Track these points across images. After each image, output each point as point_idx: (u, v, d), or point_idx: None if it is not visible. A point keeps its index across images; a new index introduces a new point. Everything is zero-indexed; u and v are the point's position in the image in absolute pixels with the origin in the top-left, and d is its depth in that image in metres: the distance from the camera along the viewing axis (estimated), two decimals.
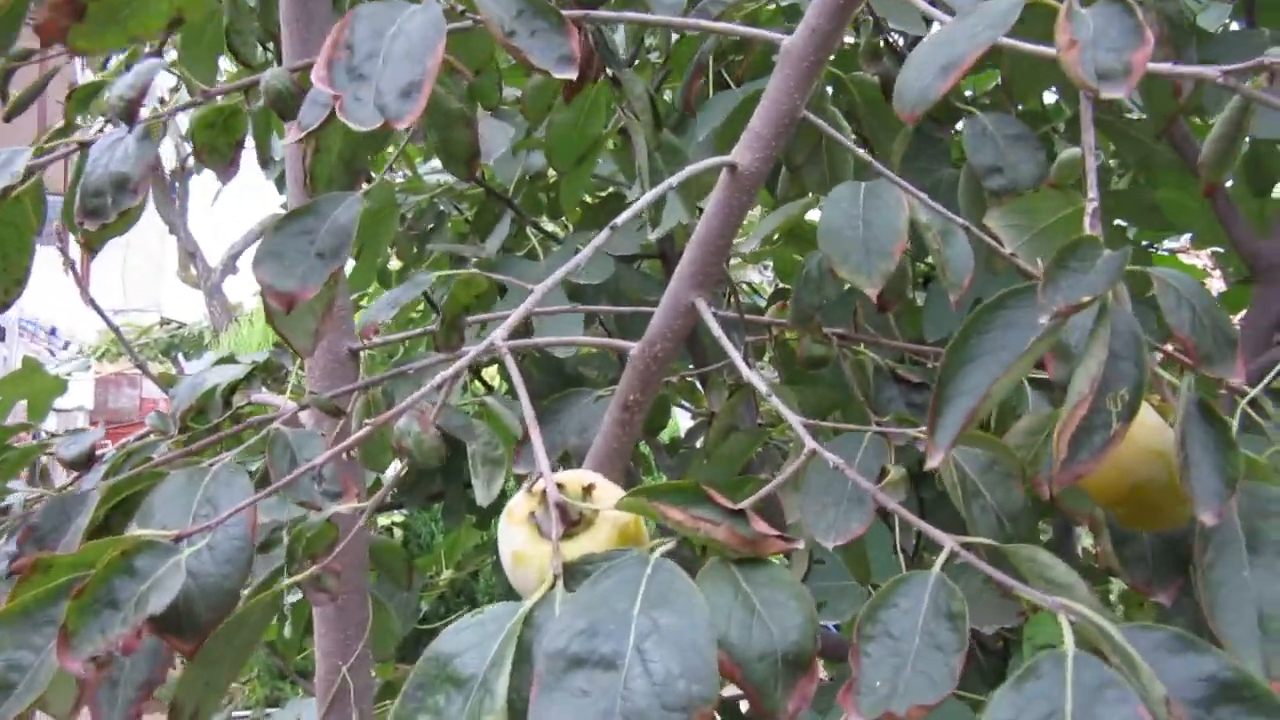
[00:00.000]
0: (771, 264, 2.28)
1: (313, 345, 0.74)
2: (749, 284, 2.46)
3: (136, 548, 0.48)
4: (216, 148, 0.71)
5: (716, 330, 0.66)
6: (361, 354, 0.89)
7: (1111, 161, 1.58)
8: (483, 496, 1.20)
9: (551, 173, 1.92)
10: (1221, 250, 1.94)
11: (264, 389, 1.15)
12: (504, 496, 1.17)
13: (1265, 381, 0.67)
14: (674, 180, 0.62)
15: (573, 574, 0.48)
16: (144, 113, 0.76)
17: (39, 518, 0.68)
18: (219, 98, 0.75)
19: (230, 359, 1.20)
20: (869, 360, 0.86)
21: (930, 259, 0.78)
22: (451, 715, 0.44)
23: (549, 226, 1.88)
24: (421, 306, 1.86)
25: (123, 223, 0.67)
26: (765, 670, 0.44)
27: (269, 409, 1.08)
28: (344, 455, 0.61)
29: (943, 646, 0.44)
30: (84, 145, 0.71)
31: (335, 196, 0.69)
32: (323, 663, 0.90)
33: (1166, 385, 0.57)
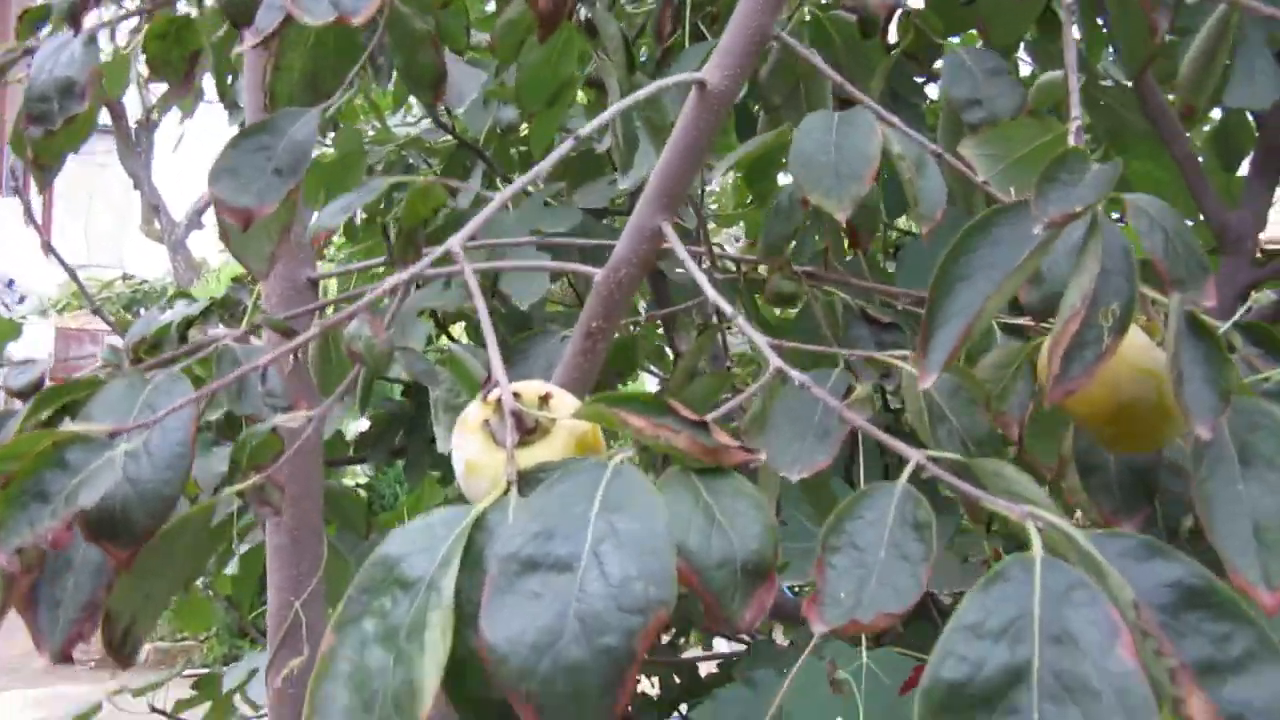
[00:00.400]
0: (743, 226, 2.26)
1: (268, 268, 0.72)
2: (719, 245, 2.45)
3: (69, 440, 0.45)
4: (169, 61, 0.68)
5: (682, 253, 0.64)
6: (320, 284, 0.87)
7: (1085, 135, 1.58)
8: (444, 443, 1.18)
9: (524, 128, 1.89)
10: (1190, 223, 1.95)
11: (220, 325, 1.13)
12: None
13: (1234, 318, 0.66)
14: (640, 94, 0.60)
15: (528, 481, 0.46)
16: (90, 21, 0.72)
17: None
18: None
19: (185, 294, 1.18)
20: (838, 300, 0.85)
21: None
22: (397, 618, 0.42)
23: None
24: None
25: (71, 136, 0.64)
26: (724, 578, 0.43)
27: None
28: (299, 378, 0.59)
29: (909, 556, 0.43)
30: (28, 51, 0.67)
31: (293, 112, 0.67)
32: (275, 597, 0.88)
33: (1152, 305, 0.57)
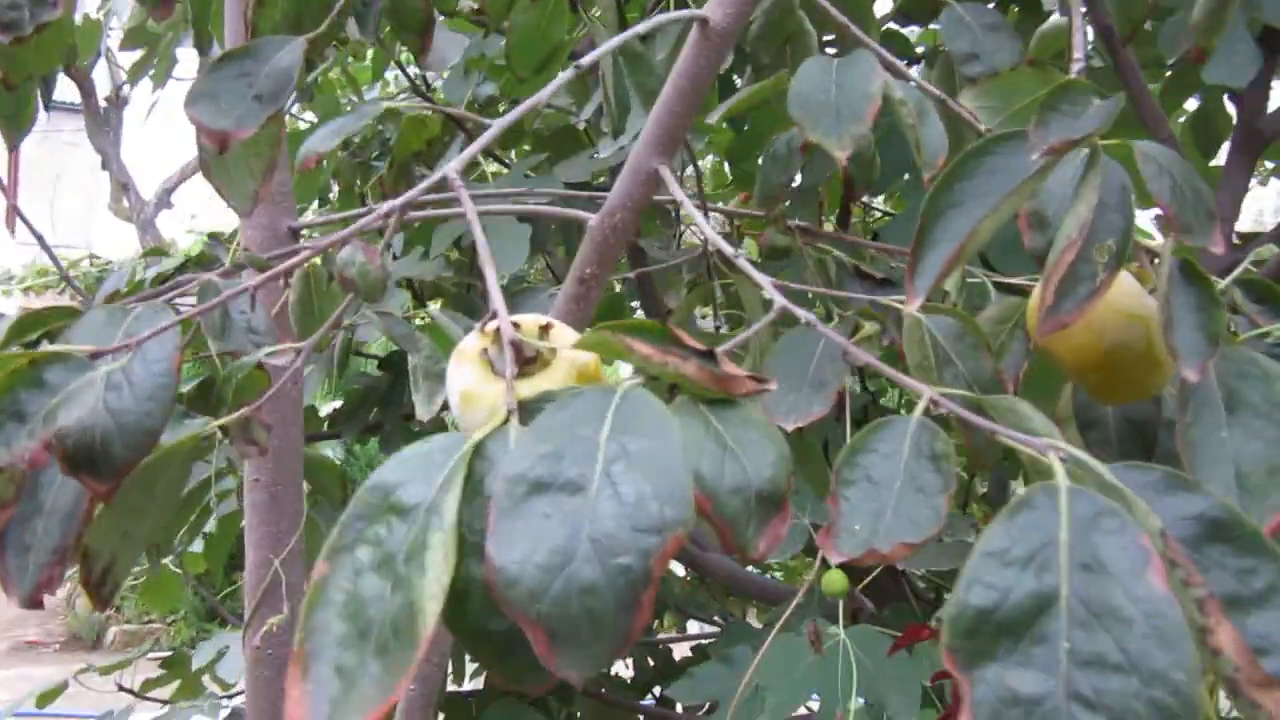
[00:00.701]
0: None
1: (251, 206, 0.69)
2: None
3: (47, 359, 0.43)
4: None
5: (679, 194, 0.63)
6: (301, 234, 0.84)
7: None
8: (423, 411, 1.16)
9: (502, 104, 1.87)
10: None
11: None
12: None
13: (1236, 272, 0.66)
14: (639, 28, 0.58)
15: (528, 411, 0.45)
16: None
17: None
18: None
19: (159, 251, 1.15)
20: (830, 257, 0.83)
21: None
22: (394, 545, 0.40)
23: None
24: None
25: (42, 52, 0.61)
26: (738, 505, 0.41)
27: None
28: (282, 327, 0.56)
29: (926, 488, 0.41)
30: None
31: (276, 40, 0.64)
32: (253, 555, 0.86)
33: (1144, 252, 0.56)
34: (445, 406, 1.10)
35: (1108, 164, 0.47)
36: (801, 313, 0.53)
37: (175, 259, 1.05)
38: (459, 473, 0.40)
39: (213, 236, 1.07)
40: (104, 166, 4.96)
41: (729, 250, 0.57)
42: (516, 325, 0.48)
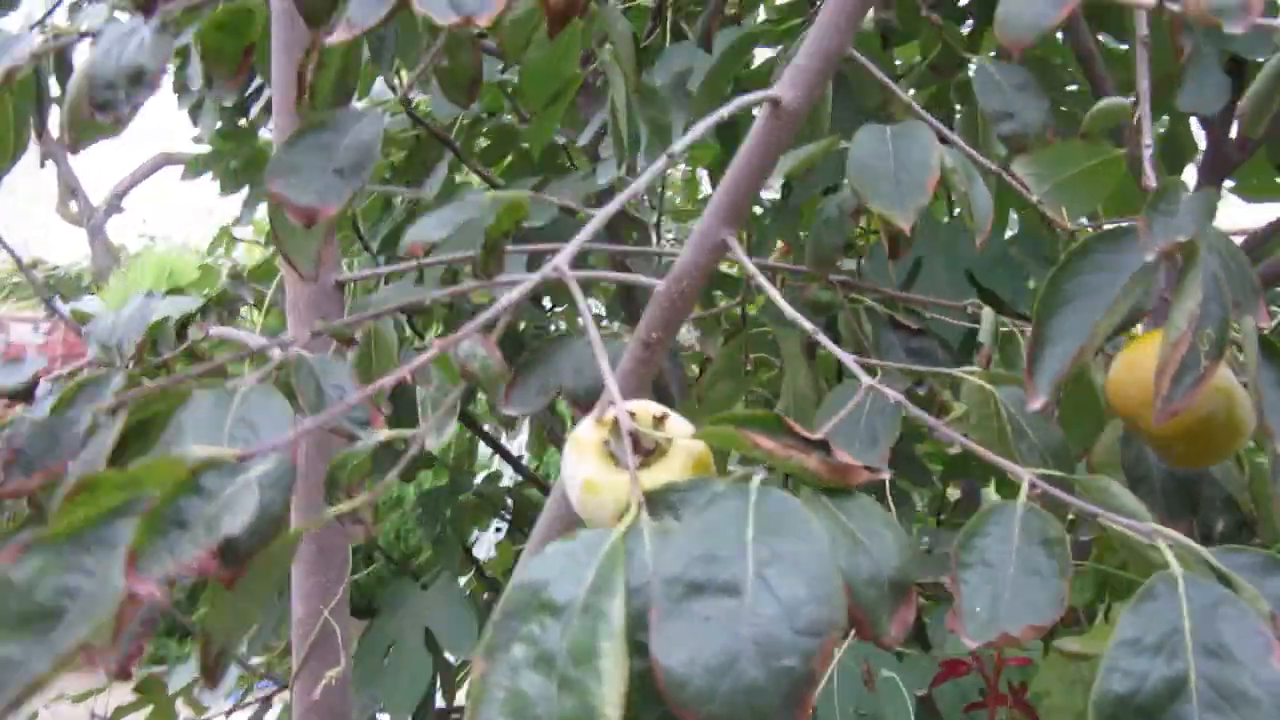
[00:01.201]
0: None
1: (316, 270, 0.71)
2: (677, 239, 2.46)
3: (203, 466, 0.44)
4: (224, 52, 0.66)
5: (749, 266, 0.65)
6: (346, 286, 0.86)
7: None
8: (433, 441, 1.17)
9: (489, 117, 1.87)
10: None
11: (217, 323, 1.10)
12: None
13: (1276, 322, 0.70)
14: (724, 111, 0.61)
15: (653, 502, 0.47)
16: None
17: (23, 441, 0.64)
18: None
19: (178, 290, 1.14)
20: (862, 308, 0.87)
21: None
22: (551, 643, 0.42)
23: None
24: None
25: (116, 124, 0.62)
26: (874, 596, 0.44)
27: (233, 344, 1.02)
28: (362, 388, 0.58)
29: (1041, 571, 0.44)
30: (85, 35, 0.65)
31: (355, 112, 0.66)
32: (301, 606, 0.87)
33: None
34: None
35: (1206, 258, 0.50)
36: (891, 393, 0.56)
37: (196, 299, 1.05)
38: (617, 573, 0.43)
39: (236, 278, 1.07)
40: (43, 164, 4.83)
41: (809, 327, 0.60)
42: (632, 415, 0.51)
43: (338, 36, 0.53)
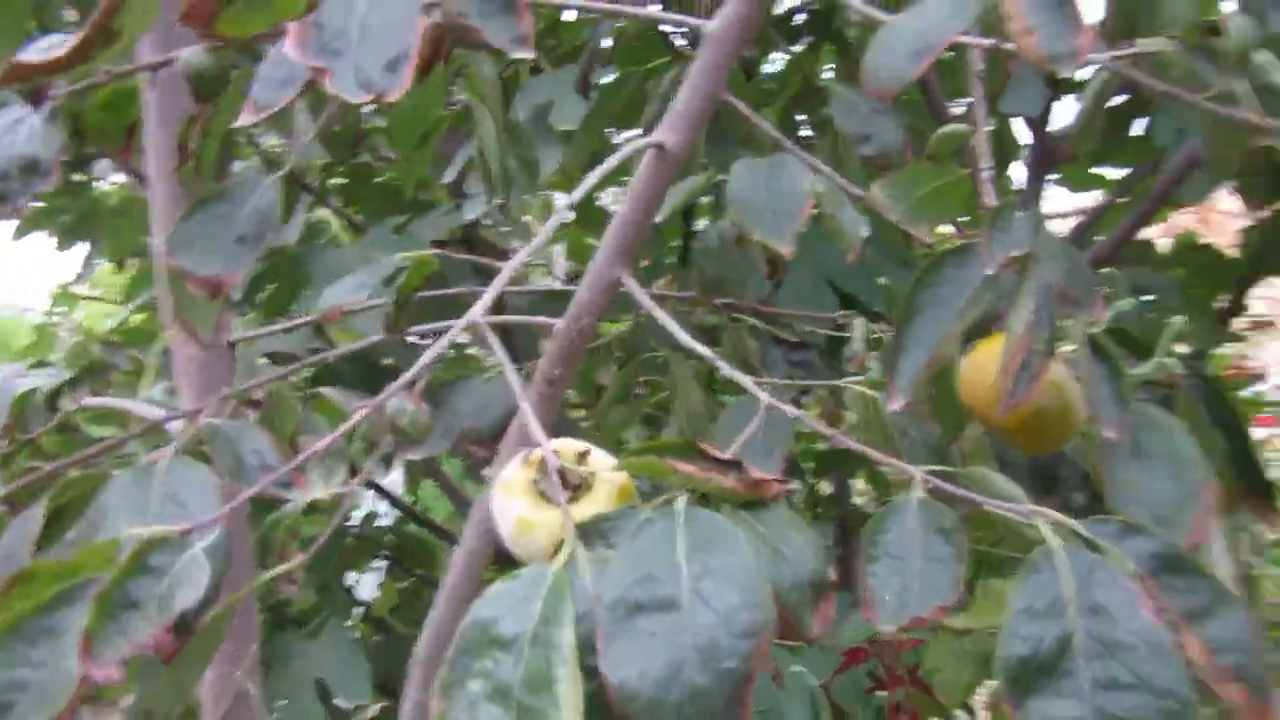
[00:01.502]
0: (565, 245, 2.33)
1: (215, 333, 0.71)
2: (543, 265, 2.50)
3: (149, 545, 0.46)
4: (107, 131, 0.66)
5: (647, 302, 0.69)
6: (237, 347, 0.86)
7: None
8: (320, 489, 1.17)
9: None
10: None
11: (89, 393, 1.07)
12: None
13: (1104, 322, 0.78)
14: (613, 160, 0.65)
15: (586, 534, 0.51)
16: None
17: None
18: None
19: (41, 362, 1.11)
20: (745, 326, 0.92)
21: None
22: (505, 674, 0.45)
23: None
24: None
25: (14, 213, 0.62)
26: (797, 598, 0.49)
27: (115, 415, 1.00)
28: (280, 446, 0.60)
29: (941, 558, 0.50)
30: None
31: (249, 180, 0.67)
32: (211, 670, 0.86)
33: None
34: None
35: (1038, 268, 0.57)
36: (790, 410, 0.61)
37: (64, 370, 1.03)
38: (564, 604, 0.46)
39: (107, 343, 1.05)
40: None
41: (708, 354, 0.64)
42: (557, 453, 0.54)
43: (244, 119, 0.55)
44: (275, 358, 1.65)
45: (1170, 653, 0.44)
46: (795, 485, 0.52)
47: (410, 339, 1.45)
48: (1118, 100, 1.49)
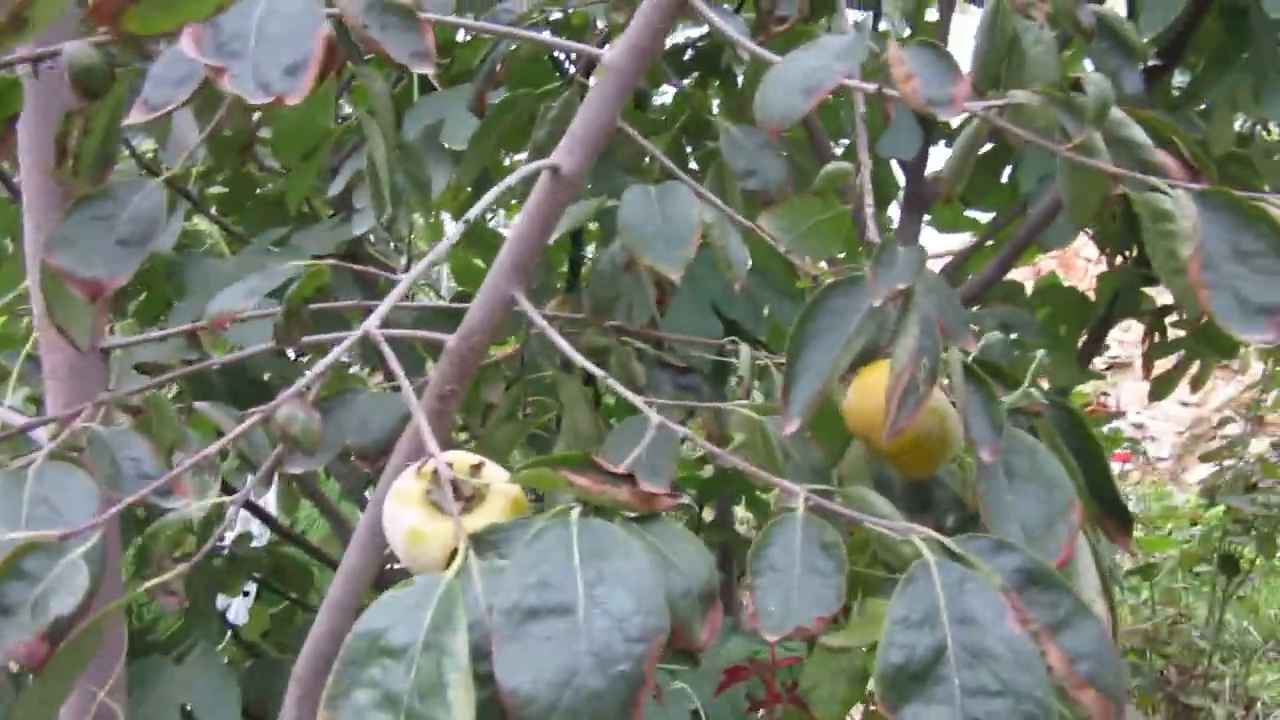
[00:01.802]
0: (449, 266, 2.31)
1: (90, 339, 0.69)
2: (429, 284, 2.47)
3: (25, 550, 0.44)
4: None
5: (539, 320, 0.70)
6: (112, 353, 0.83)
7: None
8: (196, 508, 1.14)
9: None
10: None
11: None
12: None
13: (974, 353, 0.83)
14: (510, 180, 0.66)
15: (479, 543, 0.51)
16: None
17: None
18: None
19: None
20: (631, 349, 0.93)
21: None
22: (395, 682, 0.45)
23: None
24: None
25: None
26: (687, 607, 0.50)
27: None
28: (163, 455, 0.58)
29: (822, 571, 0.52)
30: None
31: (133, 182, 0.65)
32: (76, 687, 0.82)
33: None
34: None
35: (920, 301, 0.60)
36: (677, 428, 0.62)
37: None
38: (456, 611, 0.46)
39: None
40: None
41: (599, 373, 0.65)
42: (450, 465, 0.54)
43: (134, 118, 0.54)
44: (145, 369, 1.59)
45: (1033, 661, 0.47)
46: (686, 499, 0.54)
47: (288, 352, 1.42)
48: (987, 147, 1.58)
